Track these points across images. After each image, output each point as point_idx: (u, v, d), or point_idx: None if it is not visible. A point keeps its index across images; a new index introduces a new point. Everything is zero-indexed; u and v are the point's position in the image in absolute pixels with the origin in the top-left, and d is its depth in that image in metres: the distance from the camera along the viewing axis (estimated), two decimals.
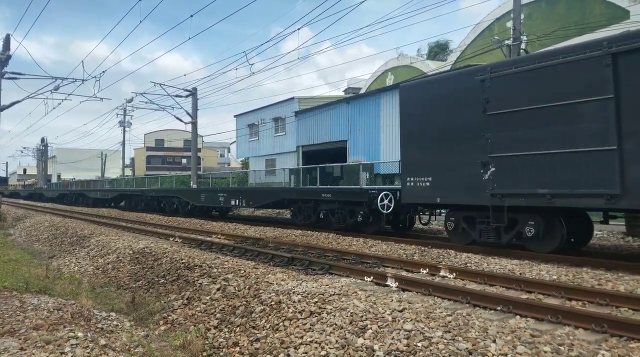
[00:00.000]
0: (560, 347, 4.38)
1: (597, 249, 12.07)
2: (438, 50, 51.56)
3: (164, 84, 29.16)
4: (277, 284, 6.96)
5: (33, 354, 4.36)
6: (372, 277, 8.14)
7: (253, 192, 21.08)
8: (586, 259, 9.25)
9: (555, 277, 7.89)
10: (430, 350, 4.47)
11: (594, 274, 8.02)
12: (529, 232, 9.82)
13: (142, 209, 28.26)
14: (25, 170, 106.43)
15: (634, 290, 6.97)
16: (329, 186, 21.23)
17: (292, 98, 36.94)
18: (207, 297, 7.28)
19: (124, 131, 49.02)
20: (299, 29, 20.13)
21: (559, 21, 23.03)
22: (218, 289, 7.40)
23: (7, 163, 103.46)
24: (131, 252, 11.29)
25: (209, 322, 6.57)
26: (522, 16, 20.22)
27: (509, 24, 19.76)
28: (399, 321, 5.12)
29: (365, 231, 14.01)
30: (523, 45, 17.97)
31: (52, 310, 6.17)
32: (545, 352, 4.27)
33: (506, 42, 17.73)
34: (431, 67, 31.53)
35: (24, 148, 79.12)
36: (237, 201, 19.80)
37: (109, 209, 32.82)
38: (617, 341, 4.89)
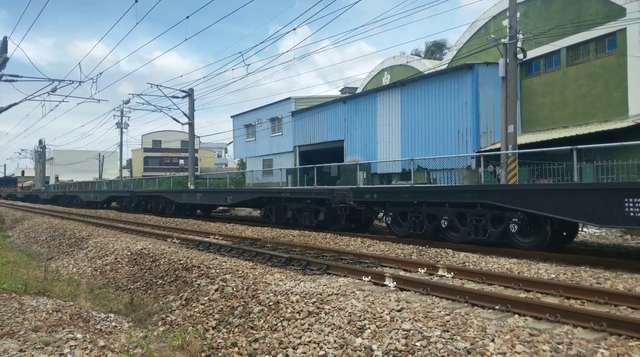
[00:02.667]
0: (559, 346, 4.38)
1: (595, 247, 12.10)
2: (435, 49, 51.64)
3: (160, 85, 29.15)
4: (275, 284, 6.96)
5: (32, 355, 4.34)
6: (370, 277, 8.15)
7: None
8: (585, 258, 9.28)
9: (553, 275, 7.90)
10: (429, 349, 4.46)
11: (592, 272, 8.04)
12: None
13: (310, 225, 15.87)
14: (23, 172, 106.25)
15: (632, 288, 6.99)
16: None
17: (289, 98, 36.92)
18: (206, 298, 7.27)
19: (122, 132, 48.94)
20: (294, 29, 20.15)
21: (555, 19, 23.06)
22: (216, 290, 7.39)
23: (5, 165, 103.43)
24: (129, 253, 11.26)
25: (207, 323, 6.56)
26: (518, 14, 20.25)
27: (505, 22, 19.79)
28: (397, 320, 5.12)
29: None
30: (519, 44, 17.99)
31: (51, 311, 6.16)
32: (544, 351, 4.27)
33: (502, 40, 17.75)
34: (427, 66, 31.52)
35: (22, 150, 79.06)
36: None
37: (108, 210, 32.61)
38: (616, 339, 4.91)
